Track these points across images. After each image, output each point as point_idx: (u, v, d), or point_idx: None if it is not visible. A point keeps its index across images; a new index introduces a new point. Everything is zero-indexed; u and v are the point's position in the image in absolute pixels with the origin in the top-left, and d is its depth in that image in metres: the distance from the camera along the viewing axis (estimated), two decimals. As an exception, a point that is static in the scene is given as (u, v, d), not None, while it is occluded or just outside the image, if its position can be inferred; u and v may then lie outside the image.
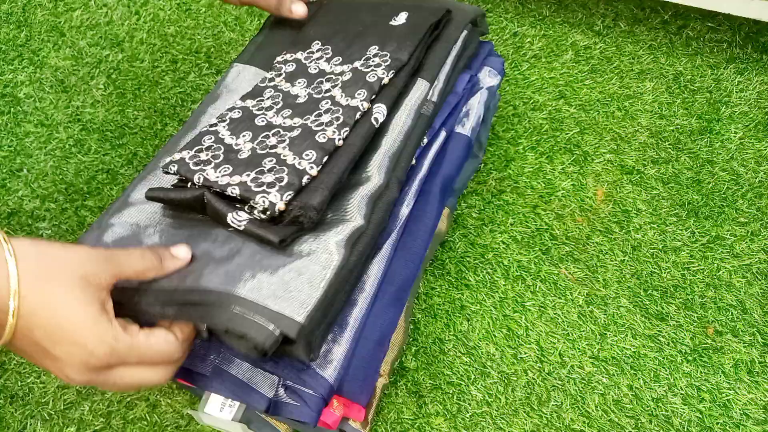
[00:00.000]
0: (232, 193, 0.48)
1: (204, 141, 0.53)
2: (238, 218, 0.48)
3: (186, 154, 0.52)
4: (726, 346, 0.66)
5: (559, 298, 0.69)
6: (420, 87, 0.59)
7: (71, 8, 0.96)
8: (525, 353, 0.66)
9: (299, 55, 0.61)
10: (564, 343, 0.66)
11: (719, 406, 0.62)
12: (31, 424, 0.64)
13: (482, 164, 0.79)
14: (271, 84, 0.59)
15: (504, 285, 0.70)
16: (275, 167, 0.49)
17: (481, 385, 0.65)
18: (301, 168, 0.49)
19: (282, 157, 0.50)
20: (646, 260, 0.71)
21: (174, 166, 0.51)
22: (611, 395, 0.63)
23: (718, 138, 0.80)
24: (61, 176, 0.80)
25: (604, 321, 0.67)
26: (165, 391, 0.66)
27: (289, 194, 0.47)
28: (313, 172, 0.49)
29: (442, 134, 0.64)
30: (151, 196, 0.52)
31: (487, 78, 0.69)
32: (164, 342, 0.40)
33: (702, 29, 0.90)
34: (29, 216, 0.77)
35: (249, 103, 0.57)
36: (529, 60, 0.88)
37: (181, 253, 0.45)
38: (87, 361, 0.35)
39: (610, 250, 0.72)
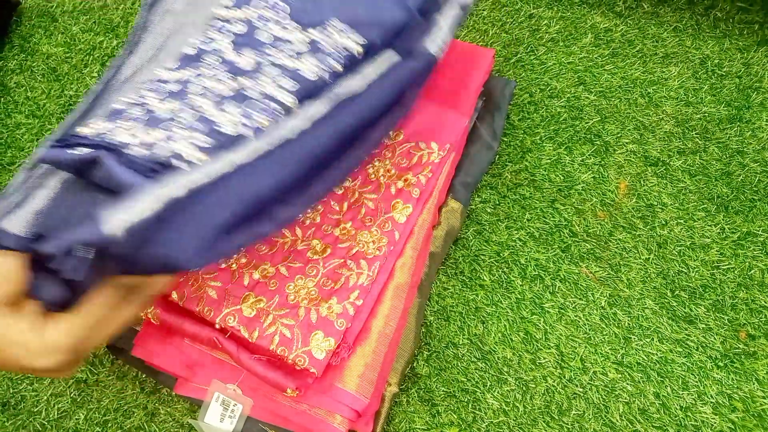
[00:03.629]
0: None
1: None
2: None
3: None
4: (760, 350, 0.61)
5: (580, 299, 0.65)
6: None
7: (63, -8, 0.92)
8: (544, 358, 0.62)
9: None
10: (585, 347, 0.62)
11: (753, 416, 0.58)
12: (23, 434, 0.61)
13: (497, 156, 0.74)
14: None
15: (521, 285, 0.66)
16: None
17: (498, 392, 0.61)
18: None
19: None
20: (672, 258, 0.67)
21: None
22: (637, 404, 0.60)
23: (748, 127, 0.75)
24: (53, 170, 0.77)
25: (629, 324, 0.63)
26: (164, 399, 0.62)
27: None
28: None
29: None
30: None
31: None
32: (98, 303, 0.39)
33: (731, 10, 0.84)
34: (21, 212, 0.74)
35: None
36: (545, 44, 0.83)
37: None
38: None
39: (634, 247, 0.67)
